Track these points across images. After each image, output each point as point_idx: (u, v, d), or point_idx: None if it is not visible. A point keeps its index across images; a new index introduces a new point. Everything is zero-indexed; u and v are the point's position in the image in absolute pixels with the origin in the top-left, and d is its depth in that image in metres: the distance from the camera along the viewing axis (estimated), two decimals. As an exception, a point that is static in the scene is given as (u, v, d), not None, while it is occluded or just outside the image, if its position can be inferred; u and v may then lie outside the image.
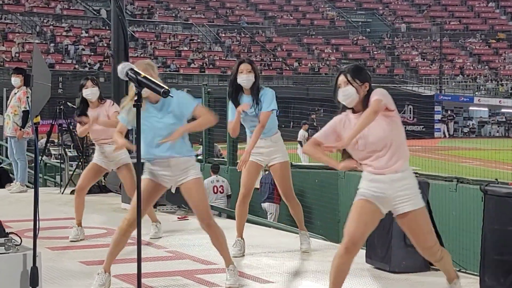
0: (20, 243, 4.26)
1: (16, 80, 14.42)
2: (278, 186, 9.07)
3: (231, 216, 12.55)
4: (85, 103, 9.71)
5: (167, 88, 4.14)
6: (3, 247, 4.18)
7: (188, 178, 6.94)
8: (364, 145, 5.96)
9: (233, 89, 8.61)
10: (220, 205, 15.51)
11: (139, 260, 4.11)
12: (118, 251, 7.01)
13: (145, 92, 6.33)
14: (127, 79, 4.32)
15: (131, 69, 4.27)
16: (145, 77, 4.13)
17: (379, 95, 5.88)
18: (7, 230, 4.38)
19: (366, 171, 6.07)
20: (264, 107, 8.49)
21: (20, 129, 14.26)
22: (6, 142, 16.57)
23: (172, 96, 4.88)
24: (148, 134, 6.68)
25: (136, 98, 3.97)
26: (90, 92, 9.67)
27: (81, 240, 9.70)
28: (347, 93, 5.97)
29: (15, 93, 14.48)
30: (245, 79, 8.48)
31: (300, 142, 27.96)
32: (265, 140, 8.71)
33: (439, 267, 6.52)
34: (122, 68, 4.31)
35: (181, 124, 6.79)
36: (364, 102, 5.95)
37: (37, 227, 4.34)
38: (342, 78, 6.02)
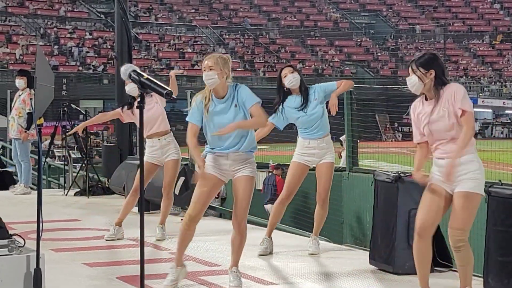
0: (24, 245, 4.27)
1: (20, 82, 14.46)
2: (319, 186, 9.03)
3: (226, 217, 12.55)
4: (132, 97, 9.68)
5: (169, 89, 4.14)
6: (7, 249, 4.18)
7: (241, 173, 7.07)
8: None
9: (279, 97, 8.92)
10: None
11: (142, 261, 4.11)
12: (185, 246, 7.24)
13: (211, 85, 6.87)
14: (130, 80, 4.32)
15: (134, 71, 4.27)
16: (147, 79, 4.13)
17: (469, 104, 6.18)
18: (10, 232, 4.38)
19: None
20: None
21: (25, 131, 14.28)
22: (10, 144, 16.59)
23: (174, 98, 4.92)
24: (213, 128, 6.97)
25: (139, 100, 3.98)
26: (129, 88, 9.72)
27: (118, 239, 9.73)
28: (411, 81, 6.30)
29: (20, 95, 14.50)
30: (291, 79, 8.75)
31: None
32: (319, 141, 8.85)
33: (458, 265, 6.49)
34: (125, 70, 4.32)
35: (244, 118, 7.00)
36: (434, 88, 6.23)
37: (41, 229, 4.34)
38: (409, 68, 6.35)
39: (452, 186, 6.18)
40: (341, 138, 28.30)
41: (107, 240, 9.65)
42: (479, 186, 6.21)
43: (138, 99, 3.98)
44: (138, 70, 4.29)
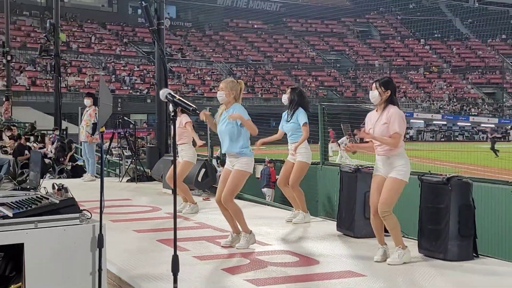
0: (91, 217, 4.26)
1: (87, 101, 14.46)
2: (290, 177, 8.84)
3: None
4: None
5: (195, 107, 4.15)
6: (78, 220, 4.19)
7: (234, 167, 7.04)
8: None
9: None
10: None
11: (175, 228, 4.11)
12: (229, 220, 7.21)
13: (221, 101, 7.08)
14: (166, 100, 4.31)
15: (170, 93, 4.28)
16: (179, 99, 4.14)
17: (399, 127, 6.20)
18: (81, 208, 4.38)
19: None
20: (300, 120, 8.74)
21: (91, 136, 14.28)
22: (81, 145, 16.59)
23: (198, 113, 4.97)
24: (219, 131, 7.11)
25: (173, 114, 3.98)
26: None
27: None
28: (373, 95, 6.37)
29: (87, 111, 14.51)
30: (283, 97, 9.07)
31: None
32: (292, 145, 8.84)
33: (388, 229, 6.47)
34: (163, 93, 4.32)
35: (234, 127, 6.97)
36: (385, 103, 6.32)
37: (103, 205, 4.34)
38: (374, 84, 6.42)
39: (386, 171, 6.30)
40: (339, 141, 28.09)
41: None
42: (404, 175, 6.27)
43: (172, 114, 3.98)
44: (172, 93, 4.29)
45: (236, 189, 7.12)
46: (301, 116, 8.75)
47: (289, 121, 8.84)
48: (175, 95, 4.21)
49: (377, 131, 6.31)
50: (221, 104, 7.21)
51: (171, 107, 4.20)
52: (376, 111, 6.42)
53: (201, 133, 21.15)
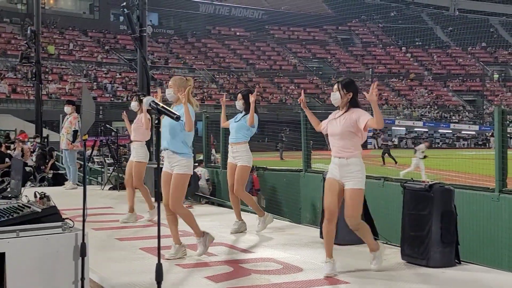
0: (73, 226, 4.23)
1: (67, 108, 14.41)
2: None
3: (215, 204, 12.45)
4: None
5: (178, 114, 4.13)
6: (61, 228, 4.15)
7: (174, 171, 6.79)
8: None
9: None
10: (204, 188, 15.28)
11: (159, 237, 4.09)
12: (170, 224, 7.10)
13: (169, 98, 6.93)
14: (150, 108, 4.30)
15: (153, 101, 4.26)
16: (162, 107, 4.13)
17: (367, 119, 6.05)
18: (63, 216, 4.35)
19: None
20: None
21: (71, 143, 14.21)
22: (62, 153, 16.51)
23: (182, 120, 4.93)
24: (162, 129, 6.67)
25: (156, 122, 3.97)
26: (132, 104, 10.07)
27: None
28: (335, 97, 6.22)
29: (67, 118, 14.46)
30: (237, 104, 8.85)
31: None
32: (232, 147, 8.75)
33: (361, 237, 6.40)
34: (147, 100, 4.31)
35: (177, 126, 6.63)
36: (347, 105, 6.16)
37: (85, 214, 4.30)
38: (335, 86, 6.27)
39: (342, 180, 6.08)
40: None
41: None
42: (362, 183, 6.08)
43: (156, 121, 3.97)
44: (156, 100, 4.28)
45: (182, 195, 6.86)
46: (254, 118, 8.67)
47: (237, 121, 8.77)
48: (159, 102, 4.20)
49: (340, 129, 6.11)
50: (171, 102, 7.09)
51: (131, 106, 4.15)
52: (339, 110, 6.29)
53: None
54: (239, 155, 8.64)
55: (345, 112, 6.15)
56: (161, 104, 4.15)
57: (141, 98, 9.92)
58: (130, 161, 10.07)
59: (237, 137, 8.67)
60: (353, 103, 6.18)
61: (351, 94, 6.18)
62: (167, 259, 6.77)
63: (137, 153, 9.86)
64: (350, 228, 6.26)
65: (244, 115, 8.71)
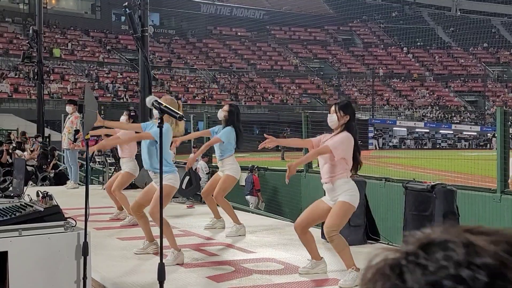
0: (75, 225, 4.23)
1: (68, 108, 14.42)
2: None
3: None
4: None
5: (181, 114, 4.12)
6: (63, 228, 4.15)
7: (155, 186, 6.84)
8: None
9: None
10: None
11: (161, 237, 4.09)
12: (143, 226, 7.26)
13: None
14: (153, 107, 4.30)
15: (156, 101, 4.26)
16: (166, 106, 4.12)
17: (334, 144, 5.82)
18: (65, 216, 4.35)
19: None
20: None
21: (73, 143, 14.22)
22: (63, 152, 16.51)
23: (184, 120, 4.93)
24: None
25: (159, 121, 3.96)
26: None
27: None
28: (332, 119, 5.97)
29: (69, 118, 14.46)
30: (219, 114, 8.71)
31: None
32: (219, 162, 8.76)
33: (336, 251, 6.15)
34: (149, 100, 4.31)
35: (153, 146, 6.71)
36: (342, 127, 5.93)
37: (88, 213, 4.30)
38: (332, 108, 6.03)
39: (333, 201, 5.96)
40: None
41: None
42: (351, 199, 5.90)
43: (158, 121, 3.95)
44: (159, 100, 4.28)
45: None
46: (225, 133, 8.49)
47: (217, 133, 8.69)
48: (161, 102, 4.20)
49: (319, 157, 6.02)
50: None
51: (155, 113, 4.15)
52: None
53: (186, 143, 21.13)
54: (227, 168, 8.62)
55: (337, 134, 5.97)
56: (164, 104, 4.15)
57: (132, 114, 10.02)
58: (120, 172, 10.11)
59: (221, 154, 8.63)
60: (348, 127, 5.96)
61: (348, 117, 5.97)
62: (135, 253, 7.01)
63: (127, 166, 9.90)
64: (327, 238, 6.09)
65: (222, 129, 8.60)
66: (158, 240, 6.57)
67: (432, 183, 6.70)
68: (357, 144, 6.04)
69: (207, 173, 16.91)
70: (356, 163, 6.01)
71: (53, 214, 4.15)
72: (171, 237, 6.80)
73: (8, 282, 4.01)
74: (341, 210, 5.87)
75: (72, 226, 4.20)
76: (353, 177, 6.49)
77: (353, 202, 5.91)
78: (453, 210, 6.67)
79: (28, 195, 4.86)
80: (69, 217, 4.25)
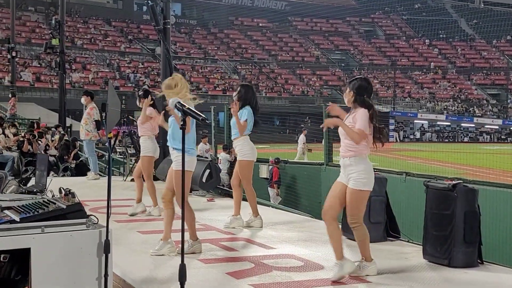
0: (97, 222, 4.26)
1: (82, 99, 14.52)
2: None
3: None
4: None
5: (204, 116, 4.10)
6: (85, 225, 4.18)
7: (173, 167, 6.88)
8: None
9: None
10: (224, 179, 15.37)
11: (182, 237, 4.11)
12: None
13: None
14: (175, 109, 4.28)
15: (179, 102, 4.26)
16: (188, 108, 4.11)
17: (362, 125, 5.83)
18: (85, 208, 4.37)
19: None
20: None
21: (97, 132, 14.37)
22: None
23: (207, 123, 4.93)
24: None
25: (182, 122, 3.95)
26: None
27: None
28: (344, 96, 6.16)
29: (85, 109, 14.57)
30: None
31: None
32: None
33: (356, 240, 6.19)
34: (172, 102, 4.31)
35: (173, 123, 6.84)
36: (353, 104, 5.99)
37: (109, 211, 4.33)
38: (346, 86, 6.20)
39: (346, 180, 5.96)
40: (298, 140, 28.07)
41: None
42: (361, 184, 5.88)
43: (181, 123, 3.93)
44: (182, 102, 4.27)
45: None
46: (244, 113, 8.51)
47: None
48: (184, 104, 4.18)
49: (340, 130, 6.01)
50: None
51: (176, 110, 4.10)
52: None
53: (205, 131, 21.15)
54: (238, 150, 8.61)
55: (352, 110, 6.05)
56: (187, 106, 4.15)
57: (139, 94, 10.04)
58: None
59: (234, 133, 8.63)
60: (358, 101, 5.98)
61: (352, 94, 6.02)
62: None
63: (143, 147, 9.87)
64: (350, 225, 6.12)
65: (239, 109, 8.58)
66: (178, 238, 6.69)
67: (454, 182, 6.64)
68: (374, 117, 5.97)
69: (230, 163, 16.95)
70: (378, 134, 5.99)
71: (75, 211, 4.18)
72: (192, 227, 6.90)
73: (31, 278, 4.05)
74: (353, 200, 5.93)
75: (94, 224, 4.22)
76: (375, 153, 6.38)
77: (364, 187, 5.92)
78: (474, 209, 6.60)
79: (51, 191, 4.89)
80: (91, 215, 4.28)
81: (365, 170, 5.92)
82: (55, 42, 23.07)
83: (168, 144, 6.99)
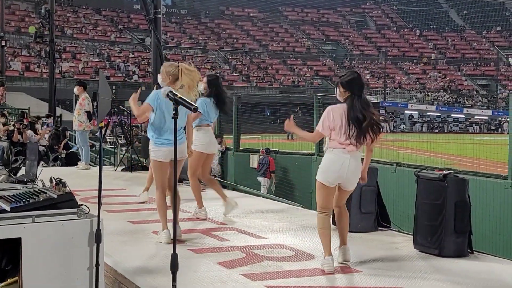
0: (88, 212, 4.24)
1: (75, 89, 14.52)
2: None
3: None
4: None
5: (196, 106, 4.10)
6: (76, 215, 4.16)
7: None
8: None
9: None
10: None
11: (175, 227, 4.10)
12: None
13: None
14: (168, 98, 4.26)
15: (171, 91, 4.24)
16: (180, 97, 4.09)
17: (318, 124, 5.99)
18: (77, 198, 4.35)
19: None
20: None
21: (84, 124, 14.31)
22: (75, 133, 16.57)
23: (200, 112, 4.91)
24: None
25: (174, 112, 3.93)
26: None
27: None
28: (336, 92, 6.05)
29: (77, 100, 14.55)
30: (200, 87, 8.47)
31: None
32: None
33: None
34: (164, 91, 4.29)
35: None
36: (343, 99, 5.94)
37: (101, 201, 4.31)
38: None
39: None
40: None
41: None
42: (318, 174, 6.04)
43: (173, 112, 3.92)
44: (174, 91, 4.25)
45: (156, 179, 7.12)
46: (197, 103, 8.21)
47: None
48: (176, 93, 4.17)
49: None
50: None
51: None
52: None
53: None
54: (193, 139, 8.22)
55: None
56: (179, 95, 4.13)
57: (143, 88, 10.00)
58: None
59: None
60: (347, 100, 5.93)
61: (340, 87, 5.98)
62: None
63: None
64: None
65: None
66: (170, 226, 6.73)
67: (444, 172, 6.66)
68: (350, 116, 5.83)
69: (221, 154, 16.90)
70: (360, 134, 5.87)
71: (66, 201, 4.15)
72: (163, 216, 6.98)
73: (22, 268, 4.04)
74: (316, 189, 6.13)
75: (85, 213, 4.20)
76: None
77: (318, 177, 6.05)
78: (464, 199, 6.63)
79: (41, 180, 4.86)
80: (82, 204, 4.26)
81: (323, 162, 6.04)
82: (31, 29, 22.92)
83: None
